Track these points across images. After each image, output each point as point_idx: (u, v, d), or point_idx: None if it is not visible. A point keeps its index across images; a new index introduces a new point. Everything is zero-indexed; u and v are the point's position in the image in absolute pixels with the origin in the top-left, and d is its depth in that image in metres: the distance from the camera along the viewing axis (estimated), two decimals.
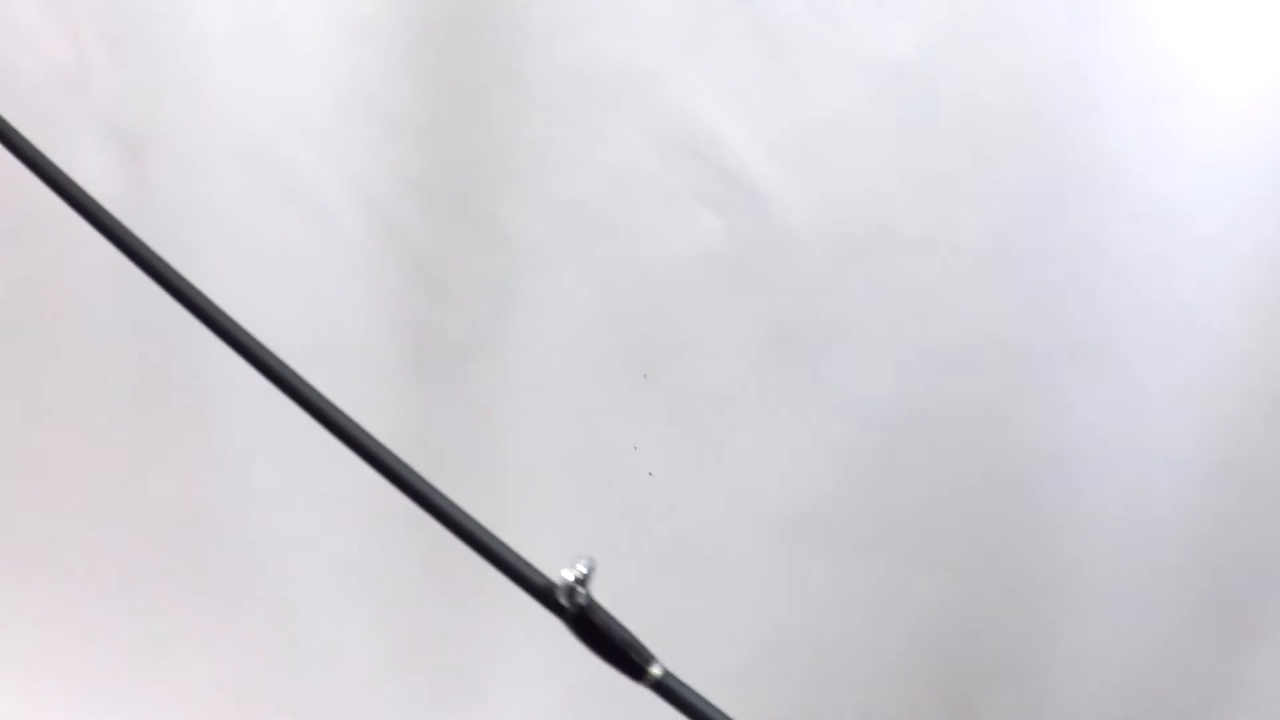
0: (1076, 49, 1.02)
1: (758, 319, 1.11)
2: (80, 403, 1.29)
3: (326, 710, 1.30)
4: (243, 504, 1.27)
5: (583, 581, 0.63)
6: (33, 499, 1.31)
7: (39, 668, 1.32)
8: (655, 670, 0.64)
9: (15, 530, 1.31)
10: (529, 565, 0.66)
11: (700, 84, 1.08)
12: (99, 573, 1.30)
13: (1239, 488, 1.09)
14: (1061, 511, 1.11)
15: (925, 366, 1.09)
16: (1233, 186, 1.03)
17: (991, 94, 1.04)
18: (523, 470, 1.21)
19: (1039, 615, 1.13)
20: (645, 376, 1.15)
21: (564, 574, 0.63)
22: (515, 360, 1.18)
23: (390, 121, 1.16)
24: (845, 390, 1.11)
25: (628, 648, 0.63)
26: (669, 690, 0.64)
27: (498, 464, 1.21)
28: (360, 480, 1.21)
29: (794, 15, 1.05)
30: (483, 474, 1.21)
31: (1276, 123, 1.01)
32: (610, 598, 0.65)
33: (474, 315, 1.19)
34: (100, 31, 1.20)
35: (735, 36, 1.07)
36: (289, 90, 1.18)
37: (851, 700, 1.21)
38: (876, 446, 1.12)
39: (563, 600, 0.63)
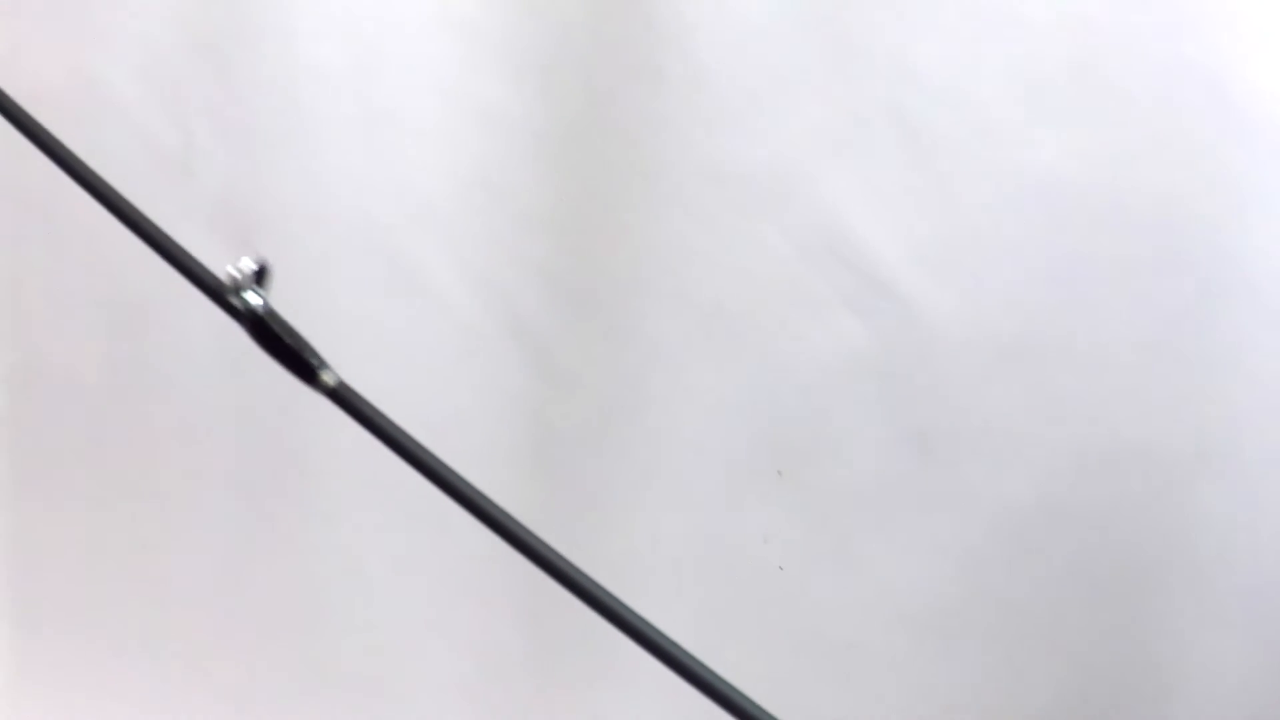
0: (1225, 162, 1.04)
1: (896, 419, 1.12)
2: (183, 488, 1.27)
3: None
4: (352, 592, 1.26)
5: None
6: (134, 586, 1.29)
7: None
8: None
9: (117, 617, 1.29)
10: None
11: (847, 188, 1.08)
12: (203, 664, 1.28)
13: None
14: (1189, 608, 1.13)
15: (1061, 469, 1.10)
16: None
17: (1140, 205, 1.05)
18: (647, 559, 1.21)
19: (1165, 710, 1.16)
20: (780, 473, 1.15)
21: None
22: (643, 452, 1.18)
23: (514, 210, 1.16)
24: (980, 490, 1.12)
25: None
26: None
27: (622, 552, 1.21)
28: (472, 565, 1.23)
29: (944, 123, 1.06)
30: (607, 562, 1.20)
31: None
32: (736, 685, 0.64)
33: (601, 406, 1.18)
34: (209, 117, 1.19)
35: (884, 143, 1.07)
36: (408, 176, 1.17)
37: None
38: (1008, 544, 1.13)
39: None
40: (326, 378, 0.63)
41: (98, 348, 1.26)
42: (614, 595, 0.66)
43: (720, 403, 1.15)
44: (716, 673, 0.64)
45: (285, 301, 1.23)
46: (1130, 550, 1.11)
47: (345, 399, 0.65)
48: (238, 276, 0.62)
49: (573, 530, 1.21)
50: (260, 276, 0.63)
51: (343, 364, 1.19)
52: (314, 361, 0.63)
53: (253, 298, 0.62)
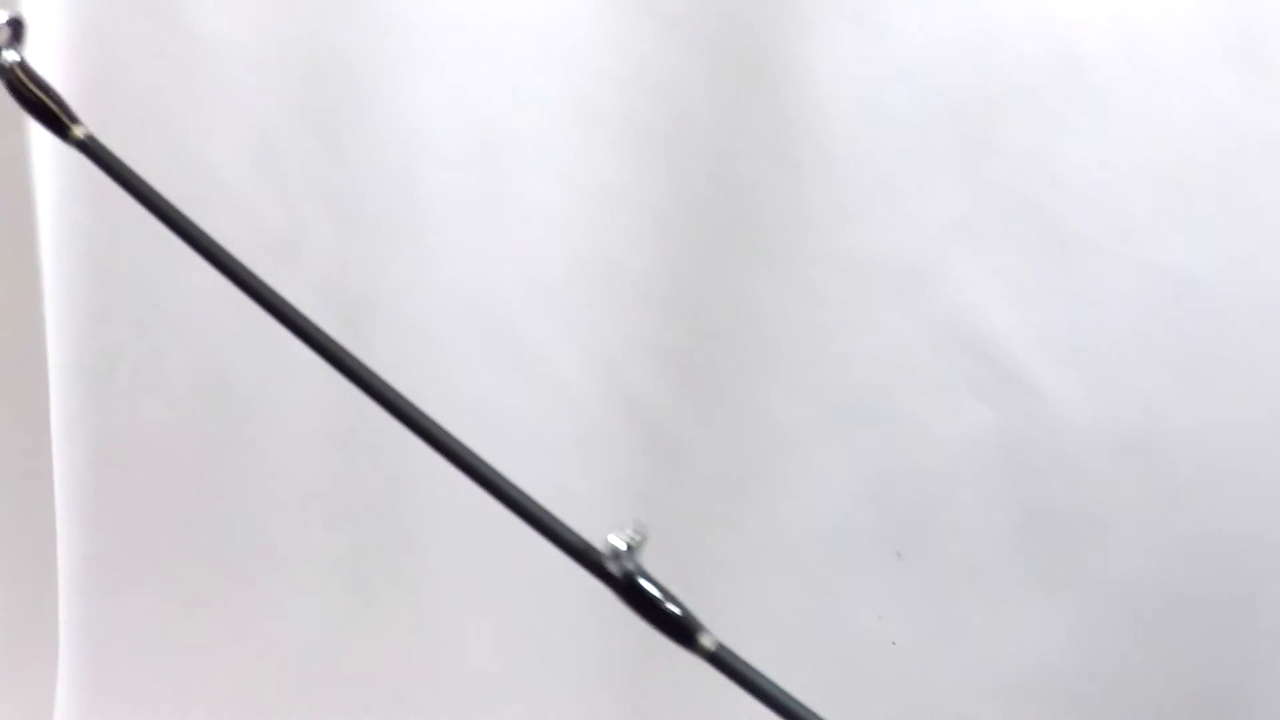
0: None
1: (1018, 504, 1.13)
2: (279, 567, 1.25)
3: None
4: (453, 674, 1.26)
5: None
6: (226, 670, 1.27)
7: None
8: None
9: (208, 702, 1.27)
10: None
11: (981, 279, 1.09)
12: None
13: None
14: None
15: (1179, 555, 1.13)
16: None
17: (1270, 304, 1.06)
18: (758, 633, 1.21)
19: None
20: (899, 555, 1.17)
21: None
22: (758, 533, 1.19)
23: (633, 290, 1.14)
24: (1098, 574, 1.14)
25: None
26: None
27: (733, 625, 1.21)
28: (578, 647, 1.22)
29: (1081, 219, 1.06)
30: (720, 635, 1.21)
31: None
32: None
33: (716, 486, 1.18)
34: (319, 198, 1.16)
35: (1021, 235, 1.07)
36: (525, 255, 1.15)
37: None
38: (1123, 626, 1.15)
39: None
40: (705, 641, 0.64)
41: (192, 425, 1.23)
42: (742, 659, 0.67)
43: (840, 484, 1.15)
44: None
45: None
46: (1241, 635, 1.14)
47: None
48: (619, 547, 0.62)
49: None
50: (637, 546, 0.64)
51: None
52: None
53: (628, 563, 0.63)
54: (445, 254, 1.14)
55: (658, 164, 1.11)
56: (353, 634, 1.25)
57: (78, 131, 0.67)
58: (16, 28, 0.66)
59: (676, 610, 0.64)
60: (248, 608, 1.26)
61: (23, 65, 0.66)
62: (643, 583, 0.63)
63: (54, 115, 0.66)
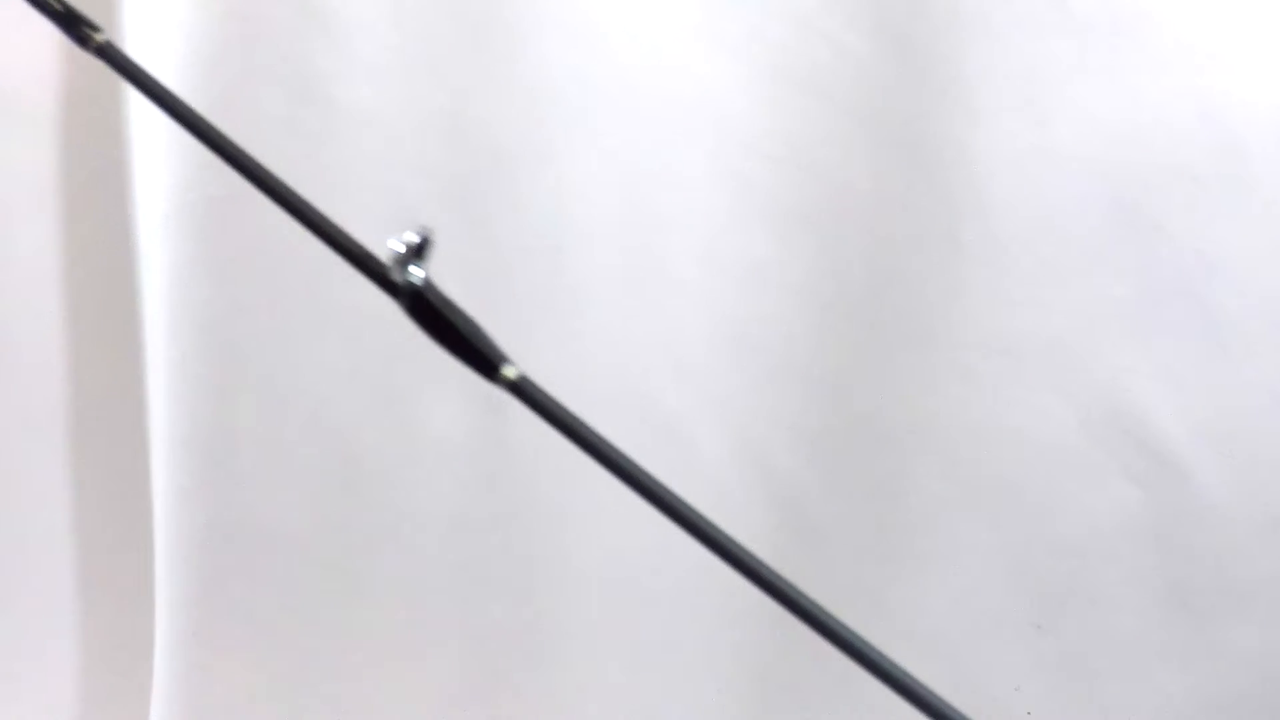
0: None
1: (1160, 578, 1.15)
2: (402, 650, 1.22)
3: None
4: None
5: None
6: None
7: None
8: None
9: None
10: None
11: (1135, 363, 1.10)
12: None
13: None
14: None
15: None
16: None
17: None
18: (898, 704, 1.21)
19: None
20: (1039, 627, 1.18)
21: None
22: (898, 604, 1.19)
23: (776, 367, 1.14)
24: (1237, 648, 1.16)
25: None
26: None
27: (871, 693, 1.21)
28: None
29: (1235, 306, 1.08)
30: (852, 706, 1.22)
31: None
32: None
33: (856, 562, 1.18)
34: (459, 273, 1.09)
35: (1176, 321, 1.08)
36: (668, 330, 1.14)
37: None
38: (1257, 698, 1.18)
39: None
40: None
41: (310, 504, 1.20)
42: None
43: (982, 558, 1.16)
44: None
45: (540, 452, 1.19)
46: None
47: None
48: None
49: (821, 679, 1.22)
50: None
51: (600, 513, 1.16)
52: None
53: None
54: (589, 329, 1.12)
55: (809, 242, 1.10)
56: (475, 703, 1.23)
57: (509, 372, 0.60)
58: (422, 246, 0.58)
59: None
60: (367, 690, 1.22)
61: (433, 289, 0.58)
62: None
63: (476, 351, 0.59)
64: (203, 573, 1.22)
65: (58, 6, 0.66)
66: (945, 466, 1.13)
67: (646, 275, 1.11)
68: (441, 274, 1.14)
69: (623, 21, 1.08)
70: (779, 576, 0.64)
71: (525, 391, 0.60)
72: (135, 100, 1.17)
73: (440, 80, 1.08)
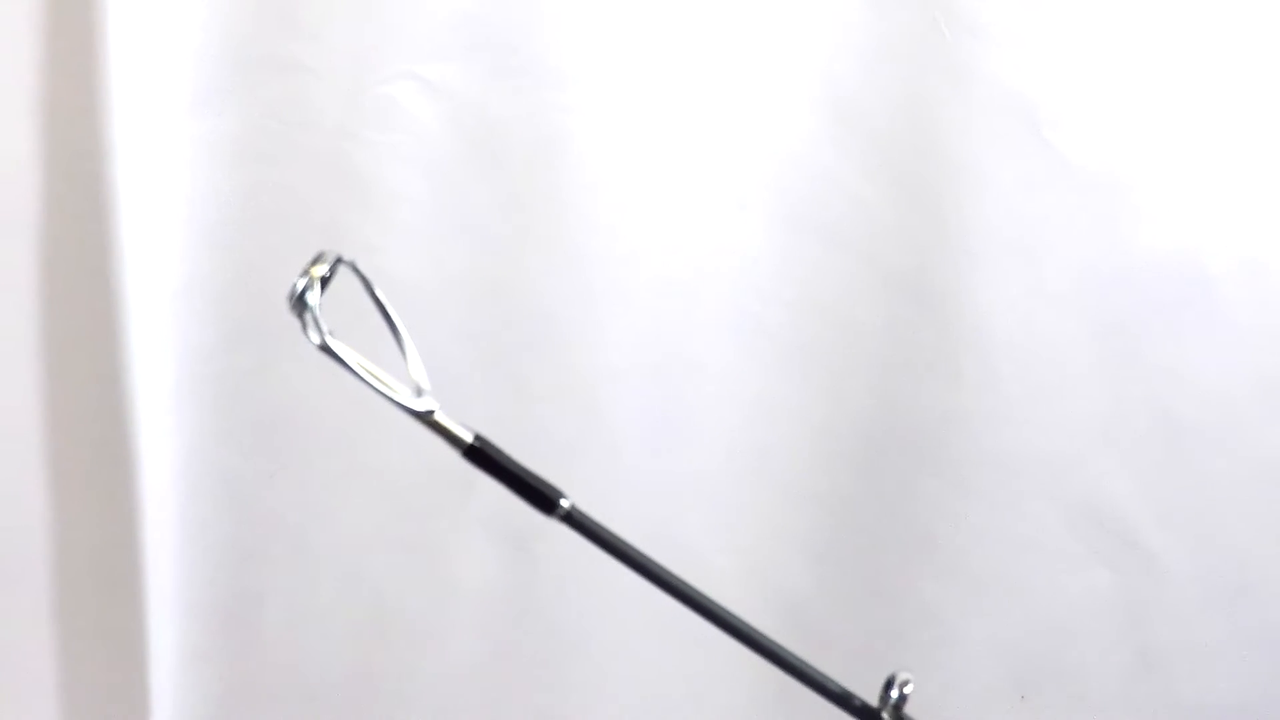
0: None
1: (1131, 647, 1.29)
2: None
3: None
4: None
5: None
6: None
7: None
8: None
9: None
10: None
11: (1113, 469, 1.22)
12: None
13: None
14: None
15: (1261, 678, 1.31)
16: None
17: None
18: None
19: None
20: (1023, 698, 1.30)
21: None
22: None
23: (786, 492, 1.22)
24: (1200, 702, 1.30)
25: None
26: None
27: None
28: None
29: (1198, 415, 1.21)
30: None
31: None
32: None
33: (855, 660, 1.26)
34: (496, 427, 1.13)
35: (1150, 431, 1.21)
36: (689, 462, 1.20)
37: None
38: None
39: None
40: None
41: (342, 657, 1.21)
42: None
43: (975, 646, 1.27)
44: None
45: (566, 584, 1.24)
46: None
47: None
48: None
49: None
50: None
51: (626, 644, 1.21)
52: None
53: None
54: (619, 470, 1.17)
55: (821, 375, 1.18)
56: None
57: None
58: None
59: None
60: None
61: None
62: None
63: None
64: None
65: (536, 485, 0.70)
66: (943, 570, 1.24)
67: (672, 414, 1.16)
68: (486, 425, 1.17)
69: (652, 180, 1.12)
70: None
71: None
72: (132, 267, 1.14)
73: (479, 244, 1.10)
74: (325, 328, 0.66)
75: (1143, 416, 1.20)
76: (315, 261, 0.68)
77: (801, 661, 0.77)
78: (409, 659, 1.20)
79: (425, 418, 0.69)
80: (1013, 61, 1.14)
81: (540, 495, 0.69)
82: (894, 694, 0.71)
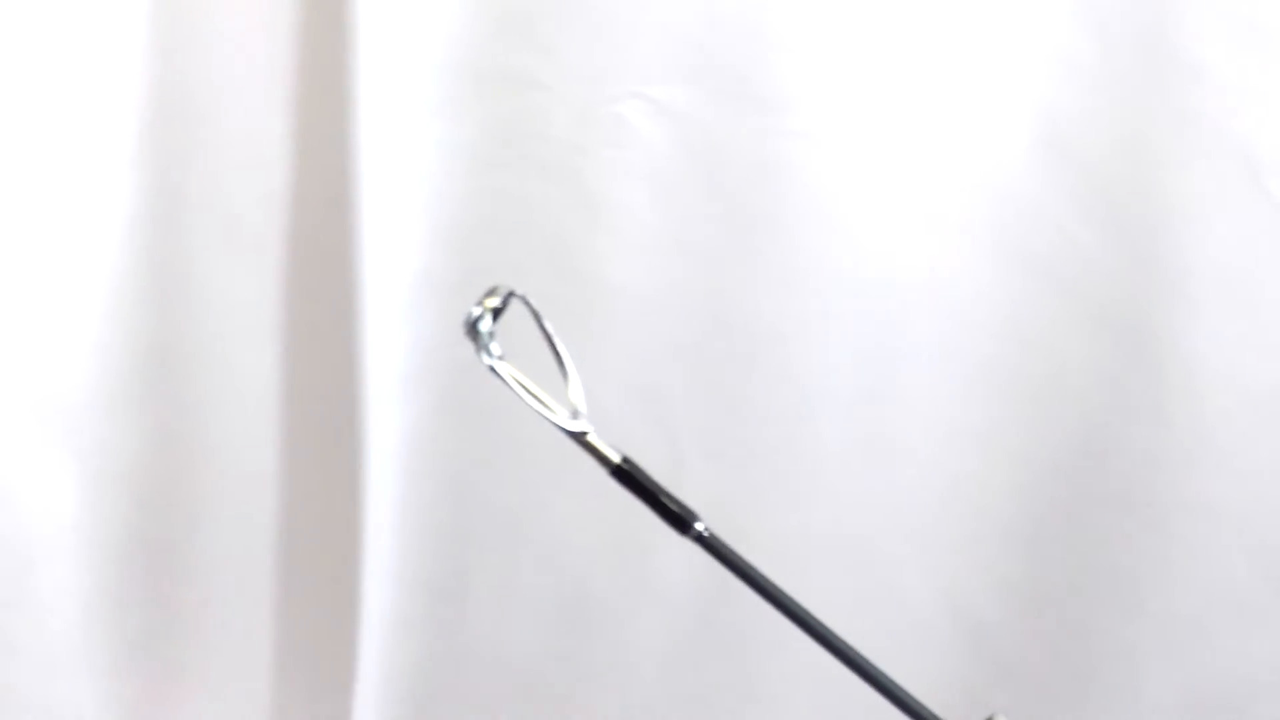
0: None
1: None
2: None
3: None
4: None
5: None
6: None
7: None
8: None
9: None
10: None
11: None
12: None
13: None
14: None
15: None
16: None
17: None
18: None
19: None
20: None
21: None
22: None
23: (989, 525, 1.23)
24: None
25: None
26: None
27: None
28: None
29: None
30: None
31: None
32: None
33: (1043, 699, 1.28)
34: (702, 439, 1.20)
35: None
36: (888, 490, 1.22)
37: None
38: None
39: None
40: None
41: (539, 637, 1.27)
42: None
43: (1161, 691, 1.26)
44: None
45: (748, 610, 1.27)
46: None
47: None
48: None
49: None
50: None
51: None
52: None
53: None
54: (819, 491, 1.20)
55: (1025, 411, 1.19)
56: None
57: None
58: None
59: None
60: None
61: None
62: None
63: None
64: (418, 699, 1.29)
65: (673, 507, 0.74)
66: (1134, 611, 1.24)
67: (875, 436, 1.19)
68: (685, 438, 1.22)
69: (866, 206, 1.15)
70: None
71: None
72: (371, 260, 1.22)
73: (697, 259, 1.15)
74: (496, 352, 0.73)
75: None
76: (489, 293, 0.75)
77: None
78: (603, 646, 1.26)
79: (579, 438, 0.74)
80: (1235, 107, 1.14)
81: (677, 517, 0.74)
82: None
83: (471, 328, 0.74)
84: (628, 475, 0.75)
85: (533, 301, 0.77)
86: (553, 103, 1.18)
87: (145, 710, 1.33)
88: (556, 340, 0.75)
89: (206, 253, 1.25)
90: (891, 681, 0.80)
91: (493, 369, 0.74)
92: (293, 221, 1.26)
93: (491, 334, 0.74)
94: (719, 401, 1.18)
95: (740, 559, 0.79)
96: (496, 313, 0.75)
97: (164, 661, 1.33)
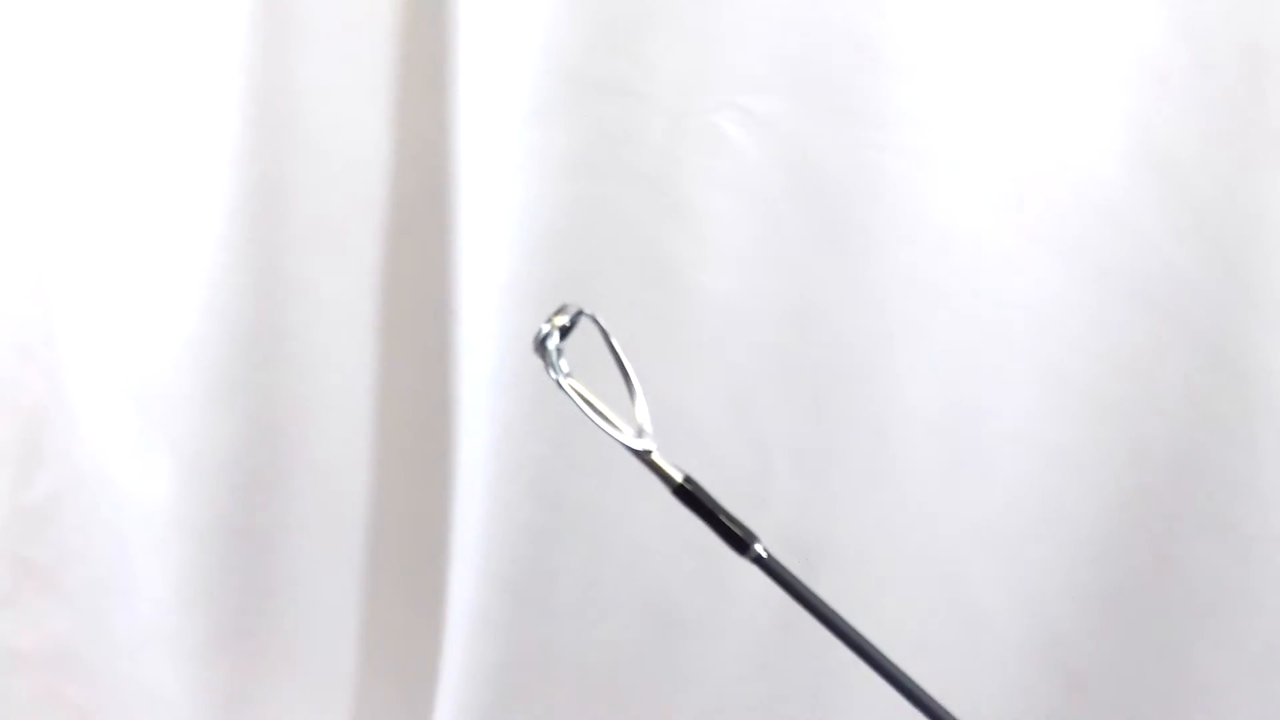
0: None
1: None
2: None
3: None
4: None
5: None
6: None
7: None
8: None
9: None
10: None
11: None
12: None
13: None
14: None
15: None
16: None
17: None
18: None
19: None
20: None
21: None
22: None
23: (1075, 545, 1.22)
24: None
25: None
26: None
27: None
28: None
29: None
30: None
31: None
32: None
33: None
34: (790, 449, 1.21)
35: None
36: (974, 506, 1.22)
37: None
38: None
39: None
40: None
41: (619, 641, 1.29)
42: None
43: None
44: None
45: (849, 600, 1.28)
46: None
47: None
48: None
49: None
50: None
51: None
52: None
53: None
54: (905, 506, 1.20)
55: (1116, 433, 1.18)
56: None
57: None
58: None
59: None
60: None
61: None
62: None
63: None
64: (500, 695, 1.31)
65: (733, 528, 0.77)
66: (1219, 642, 1.22)
67: (962, 457, 1.19)
68: (774, 449, 1.23)
69: (960, 224, 1.15)
70: None
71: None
72: (465, 262, 1.24)
73: (788, 270, 1.16)
74: (565, 369, 0.75)
75: None
76: (558, 312, 0.77)
77: None
78: (683, 653, 1.27)
79: (643, 456, 0.76)
80: None
81: (737, 538, 0.76)
82: None
83: (540, 345, 0.76)
84: (689, 494, 0.76)
85: (601, 320, 0.78)
86: (648, 111, 1.19)
87: (232, 694, 1.36)
88: (624, 358, 0.76)
89: (304, 250, 1.28)
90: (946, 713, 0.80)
91: (559, 384, 0.74)
92: (389, 222, 1.29)
93: (560, 350, 0.76)
94: (808, 414, 1.18)
95: (798, 581, 0.80)
96: (565, 330, 0.77)
97: (252, 647, 1.36)
